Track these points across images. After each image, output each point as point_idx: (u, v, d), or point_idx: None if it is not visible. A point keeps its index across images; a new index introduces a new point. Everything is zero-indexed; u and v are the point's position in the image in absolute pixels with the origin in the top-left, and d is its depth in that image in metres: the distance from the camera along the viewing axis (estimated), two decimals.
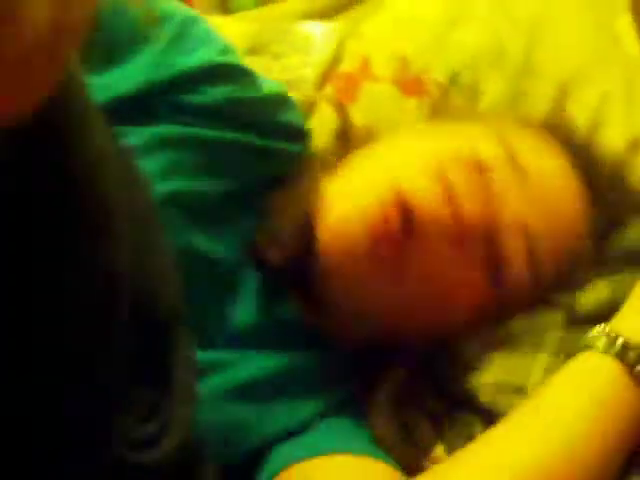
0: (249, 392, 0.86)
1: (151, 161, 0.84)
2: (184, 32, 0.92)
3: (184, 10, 0.96)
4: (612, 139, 1.04)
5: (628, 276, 0.86)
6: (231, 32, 1.30)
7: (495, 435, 0.77)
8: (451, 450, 0.85)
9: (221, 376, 0.85)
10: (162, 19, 0.92)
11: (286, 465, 0.82)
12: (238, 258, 0.90)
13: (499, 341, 0.86)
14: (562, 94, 1.09)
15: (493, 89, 1.11)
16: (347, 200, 0.87)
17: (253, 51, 1.22)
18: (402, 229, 0.82)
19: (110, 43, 0.88)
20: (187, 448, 0.69)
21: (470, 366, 0.86)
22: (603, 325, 0.79)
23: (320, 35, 1.26)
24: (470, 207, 0.83)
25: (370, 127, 1.09)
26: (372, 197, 0.84)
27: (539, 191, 0.88)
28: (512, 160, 0.88)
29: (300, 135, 1.00)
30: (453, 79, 1.12)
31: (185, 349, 0.73)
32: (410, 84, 1.12)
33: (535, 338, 0.86)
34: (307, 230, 0.87)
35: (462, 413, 0.86)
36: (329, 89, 1.14)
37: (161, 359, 0.71)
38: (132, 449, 0.65)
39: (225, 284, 0.89)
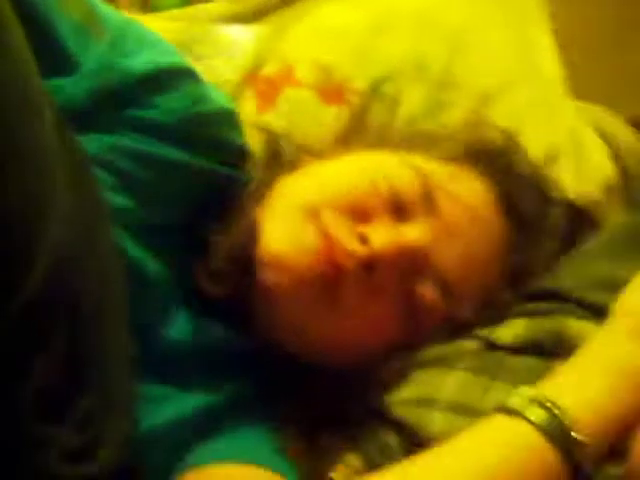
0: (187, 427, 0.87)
1: (103, 171, 0.85)
2: (124, 34, 0.91)
3: (119, 14, 0.96)
4: (531, 151, 1.06)
5: (546, 318, 0.87)
6: (156, 29, 1.29)
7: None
8: (366, 459, 0.86)
9: (172, 407, 0.86)
10: (101, 20, 0.91)
11: (190, 465, 0.84)
12: (172, 282, 0.91)
13: (417, 364, 0.87)
14: (481, 106, 1.11)
15: (413, 99, 1.11)
16: (279, 226, 0.90)
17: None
18: (331, 267, 0.86)
19: (56, 47, 0.87)
20: (124, 462, 0.69)
21: (387, 384, 0.87)
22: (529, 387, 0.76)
23: (244, 38, 1.26)
24: (383, 251, 0.86)
25: (285, 130, 1.09)
26: (305, 233, 0.87)
27: (455, 232, 0.90)
28: (428, 197, 0.90)
29: (243, 157, 1.00)
30: (374, 88, 1.12)
31: (122, 352, 0.74)
32: (331, 92, 1.12)
33: (450, 360, 0.86)
34: (244, 263, 0.89)
35: (377, 424, 0.87)
36: (249, 94, 1.14)
37: (96, 362, 0.71)
38: (66, 460, 0.65)
39: (158, 303, 0.89)
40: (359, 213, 0.88)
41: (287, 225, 0.89)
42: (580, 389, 0.74)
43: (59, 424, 0.66)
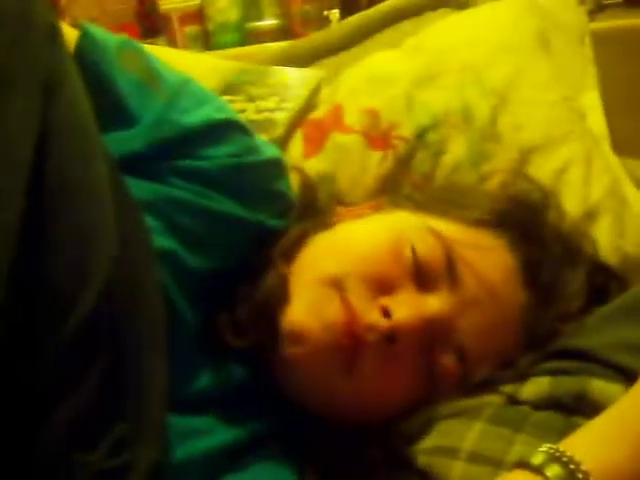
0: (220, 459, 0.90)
1: (150, 216, 0.88)
2: (180, 91, 0.96)
3: (175, 71, 1.00)
4: (567, 208, 1.07)
5: (569, 377, 0.88)
6: (208, 68, 1.33)
7: None
8: None
9: (197, 442, 0.88)
10: (158, 79, 0.96)
11: None
12: (199, 330, 0.93)
13: (441, 416, 0.89)
14: (523, 160, 1.13)
15: (456, 149, 1.14)
16: (304, 297, 0.91)
17: (229, 90, 1.24)
18: (351, 340, 0.87)
19: (118, 103, 0.92)
20: None
21: (412, 437, 0.88)
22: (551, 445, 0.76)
23: (298, 80, 1.29)
24: (406, 324, 0.87)
25: (330, 174, 1.12)
26: (328, 306, 0.89)
27: (475, 304, 0.91)
28: (451, 269, 0.91)
29: (289, 208, 1.01)
30: (420, 135, 1.15)
31: (159, 384, 0.77)
32: (378, 138, 1.16)
33: (474, 412, 0.88)
34: (267, 318, 0.91)
35: (400, 473, 0.88)
36: (298, 137, 1.17)
37: (133, 392, 0.74)
38: None
39: (190, 348, 0.91)
40: (383, 283, 0.90)
41: (310, 296, 0.90)
42: (605, 452, 0.73)
43: (91, 450, 0.69)
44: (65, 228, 0.72)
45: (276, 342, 0.90)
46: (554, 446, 0.74)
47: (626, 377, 0.84)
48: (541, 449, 0.74)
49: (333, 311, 0.88)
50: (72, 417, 0.69)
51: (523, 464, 0.74)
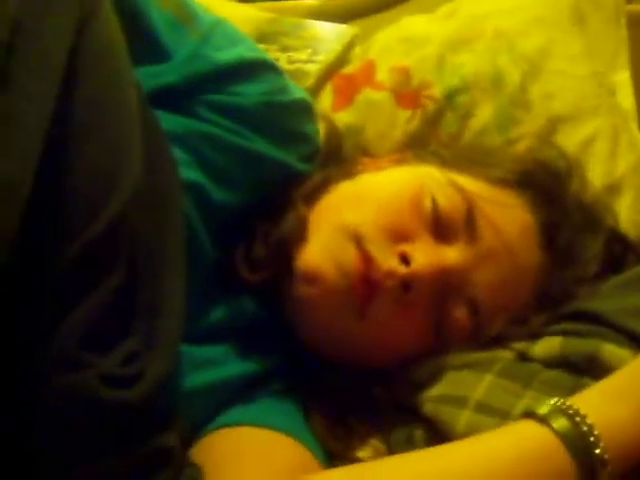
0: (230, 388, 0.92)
1: (179, 149, 0.89)
2: (214, 30, 0.97)
3: (209, 12, 1.01)
4: (591, 180, 1.08)
5: (581, 339, 0.89)
6: (244, 17, 1.34)
7: (423, 453, 0.80)
8: (389, 446, 0.89)
9: (209, 372, 0.90)
10: (193, 17, 0.97)
11: (221, 424, 0.88)
12: (217, 263, 0.95)
13: (452, 367, 0.90)
14: (550, 129, 1.13)
15: (485, 112, 1.15)
16: (322, 241, 0.92)
17: (263, 39, 1.25)
18: (366, 286, 0.88)
19: (152, 38, 0.93)
20: (158, 399, 0.73)
21: (421, 383, 0.90)
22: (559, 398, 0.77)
23: (331, 36, 1.30)
24: (423, 272, 0.89)
25: (358, 127, 1.13)
26: (346, 252, 0.90)
27: (492, 259, 0.92)
28: (471, 222, 0.92)
29: (313, 154, 1.02)
30: (449, 97, 1.16)
31: (176, 298, 0.79)
32: (407, 96, 1.16)
33: (485, 365, 0.89)
34: (284, 257, 0.93)
35: (408, 417, 0.90)
36: (328, 89, 1.18)
37: (152, 308, 0.76)
38: (105, 384, 0.69)
39: (207, 280, 0.93)
40: (403, 232, 0.91)
41: (328, 241, 0.91)
42: (611, 409, 0.75)
43: (102, 355, 0.71)
44: (94, 145, 0.74)
45: (290, 280, 0.92)
46: (561, 399, 0.75)
47: (637, 343, 0.85)
48: (549, 401, 0.76)
49: (350, 258, 0.89)
50: (85, 320, 0.70)
51: (529, 414, 0.76)
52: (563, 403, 0.75)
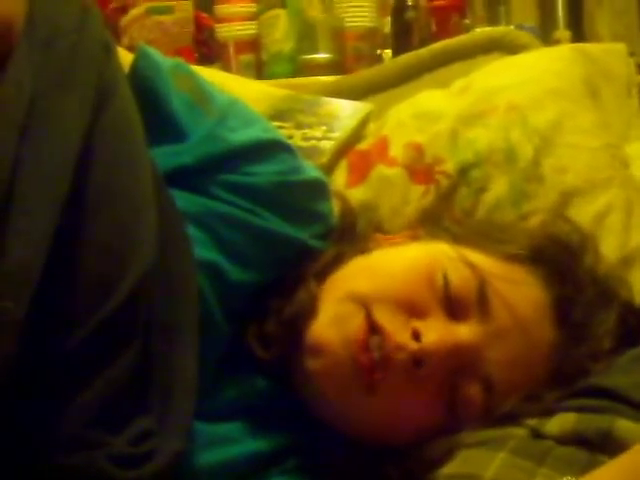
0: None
1: (194, 228, 0.91)
2: (229, 111, 0.99)
3: (224, 93, 1.04)
4: (605, 253, 1.08)
5: (596, 415, 0.88)
6: (259, 95, 1.36)
7: None
8: None
9: (223, 450, 0.90)
10: (209, 99, 1.00)
11: None
12: (230, 340, 0.95)
13: (464, 445, 0.89)
14: (564, 203, 1.14)
15: (498, 188, 1.16)
16: (330, 311, 0.93)
17: (278, 116, 1.27)
18: (376, 364, 0.88)
19: (169, 119, 0.96)
20: (169, 477, 0.73)
21: (434, 462, 0.89)
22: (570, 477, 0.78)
23: (347, 112, 1.32)
24: (435, 349, 0.89)
25: (372, 204, 1.14)
26: (352, 321, 0.90)
27: (504, 337, 0.92)
28: (483, 300, 0.92)
29: (327, 232, 1.03)
30: (462, 173, 1.17)
31: (189, 376, 0.80)
32: (421, 173, 1.18)
33: (497, 443, 0.88)
34: (295, 333, 0.93)
35: None
36: (342, 166, 1.20)
37: (164, 386, 0.76)
38: (115, 464, 0.70)
39: (221, 358, 0.94)
40: (414, 307, 0.91)
41: (336, 311, 0.92)
42: None
43: (113, 434, 0.71)
44: (105, 226, 0.75)
45: (300, 356, 0.92)
46: (574, 479, 0.75)
47: None
48: None
49: (355, 326, 0.89)
50: (96, 399, 0.71)
51: None
52: None
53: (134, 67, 0.97)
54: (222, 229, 0.93)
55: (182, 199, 0.91)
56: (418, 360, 0.88)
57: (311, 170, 1.03)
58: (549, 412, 0.89)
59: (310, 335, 0.92)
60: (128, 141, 0.83)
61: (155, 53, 1.01)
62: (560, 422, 0.88)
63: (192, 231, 0.90)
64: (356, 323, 0.90)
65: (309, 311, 0.93)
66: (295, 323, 0.93)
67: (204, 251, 0.91)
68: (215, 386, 0.92)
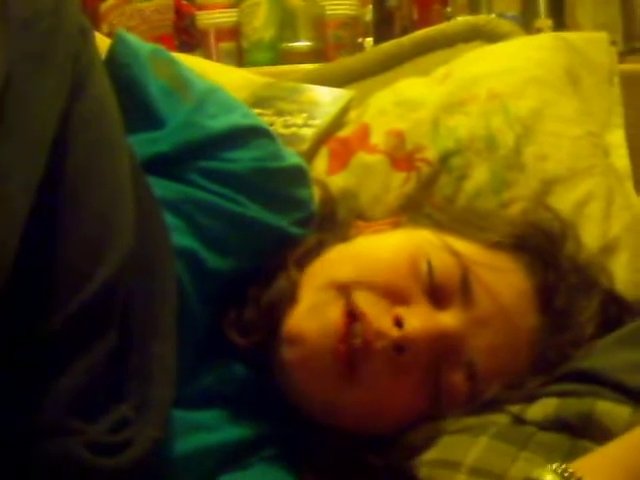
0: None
1: (171, 215, 0.90)
2: (207, 98, 0.98)
3: (204, 79, 1.03)
4: (586, 241, 1.08)
5: (576, 399, 0.88)
6: (241, 82, 1.35)
7: None
8: None
9: (200, 437, 0.90)
10: (187, 85, 0.99)
11: None
12: (208, 327, 0.95)
13: (446, 432, 0.89)
14: (545, 191, 1.14)
15: (479, 175, 1.15)
16: (309, 300, 0.92)
17: (259, 103, 1.26)
18: (355, 351, 0.87)
19: (146, 105, 0.95)
20: (147, 465, 0.73)
21: (416, 448, 0.89)
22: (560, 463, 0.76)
23: (328, 99, 1.31)
24: (417, 335, 0.88)
25: (353, 191, 1.13)
26: (330, 310, 0.90)
27: (487, 324, 0.92)
28: (466, 287, 0.92)
29: (310, 216, 1.03)
30: (443, 160, 1.16)
31: (167, 363, 0.79)
32: (402, 160, 1.17)
33: (479, 429, 0.88)
34: (273, 320, 0.93)
35: None
36: (323, 153, 1.19)
37: (142, 373, 0.76)
38: (92, 451, 0.69)
39: (198, 345, 0.93)
40: (397, 295, 0.90)
41: (315, 299, 0.91)
42: (612, 477, 0.73)
43: (91, 422, 0.71)
44: (83, 212, 0.75)
45: (277, 344, 0.92)
46: (563, 465, 0.74)
47: (634, 398, 0.85)
48: (550, 467, 0.75)
49: (334, 314, 0.89)
50: (73, 386, 0.71)
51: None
52: (565, 469, 0.74)
53: (111, 53, 0.96)
54: (199, 216, 0.92)
55: (159, 186, 0.90)
56: (400, 347, 0.87)
57: (291, 156, 1.02)
58: (531, 398, 0.90)
59: (288, 324, 0.91)
60: (105, 127, 0.82)
61: (133, 39, 1.00)
62: (542, 408, 0.88)
63: (169, 218, 0.89)
64: (335, 312, 0.89)
65: (288, 298, 0.93)
66: (274, 310, 0.93)
67: (181, 238, 0.90)
68: (193, 373, 0.91)
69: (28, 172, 0.71)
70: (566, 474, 0.73)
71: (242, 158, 0.95)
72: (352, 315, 0.89)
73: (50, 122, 0.74)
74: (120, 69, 0.94)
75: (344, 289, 0.90)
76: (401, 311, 0.89)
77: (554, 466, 0.75)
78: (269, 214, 0.96)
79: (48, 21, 0.78)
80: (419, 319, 0.89)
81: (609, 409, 0.85)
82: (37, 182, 0.71)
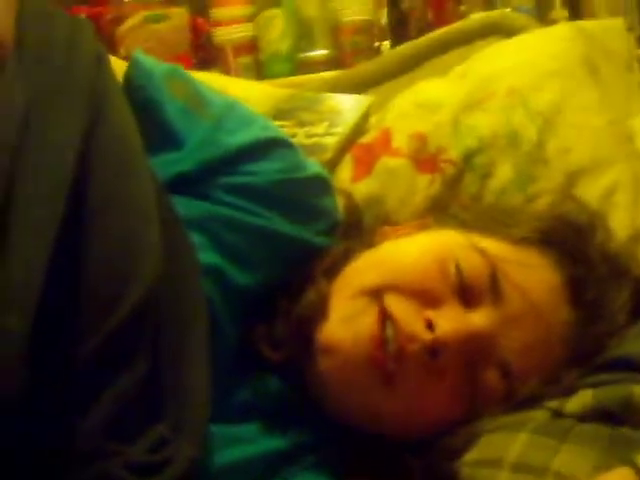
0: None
1: (196, 233, 0.91)
2: (226, 114, 0.99)
3: (221, 96, 1.04)
4: (615, 230, 1.08)
5: (613, 387, 0.88)
6: (262, 96, 1.36)
7: None
8: None
9: (239, 449, 0.91)
10: (205, 104, 1.00)
11: None
12: (239, 343, 0.95)
13: (485, 431, 0.89)
14: (570, 183, 1.14)
15: (503, 172, 1.16)
16: (341, 309, 0.93)
17: (280, 116, 1.27)
18: (391, 357, 0.88)
19: (165, 127, 0.96)
20: None
21: (455, 451, 0.89)
22: None
23: (348, 106, 1.32)
24: (450, 338, 0.88)
25: (379, 196, 1.14)
26: (363, 318, 0.90)
27: (519, 322, 0.92)
28: (495, 286, 0.92)
29: (334, 226, 1.03)
30: (467, 159, 1.17)
31: (202, 381, 0.81)
32: (426, 162, 1.17)
33: (518, 426, 0.88)
34: (305, 333, 0.93)
35: None
36: (347, 160, 1.20)
37: (177, 393, 0.77)
38: (132, 472, 0.70)
39: (229, 360, 0.94)
40: (427, 297, 0.91)
41: (348, 308, 0.92)
42: None
43: (129, 443, 0.72)
44: (108, 240, 0.76)
45: (312, 356, 0.92)
46: None
47: None
48: None
49: (367, 322, 0.89)
50: (109, 411, 0.72)
51: (631, 463, 0.74)
52: None
53: (127, 77, 0.97)
54: (224, 232, 0.92)
55: (183, 205, 0.91)
56: (433, 350, 0.88)
57: (313, 166, 1.03)
58: (569, 392, 0.90)
59: (322, 335, 0.91)
60: (126, 151, 0.83)
61: (148, 60, 1.01)
62: (579, 400, 0.88)
63: (194, 237, 0.90)
64: (368, 319, 0.89)
65: (319, 311, 0.93)
66: (305, 324, 0.93)
67: (207, 256, 0.91)
68: (228, 389, 0.92)
69: (51, 207, 0.72)
70: None
71: (263, 170, 0.96)
72: (385, 320, 0.89)
73: (70, 155, 0.75)
74: (136, 92, 0.95)
75: (375, 294, 0.91)
76: (432, 314, 0.89)
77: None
78: (293, 225, 0.96)
79: (63, 53, 0.80)
80: (450, 321, 0.89)
81: None
82: (61, 215, 0.72)
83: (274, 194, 0.96)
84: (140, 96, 0.95)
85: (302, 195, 0.99)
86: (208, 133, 0.96)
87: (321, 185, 1.02)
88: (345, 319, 0.91)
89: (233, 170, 0.95)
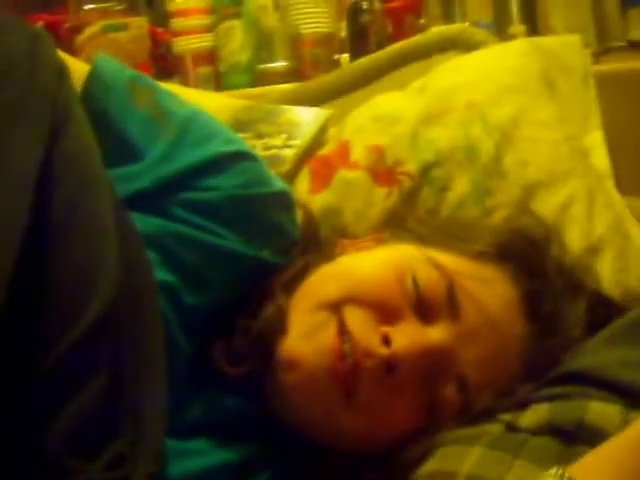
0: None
1: (151, 250, 0.90)
2: (187, 128, 0.97)
3: (184, 106, 1.02)
4: (570, 244, 1.09)
5: (567, 402, 0.89)
6: (220, 106, 1.36)
7: None
8: None
9: (194, 461, 0.90)
10: (167, 115, 0.98)
11: None
12: (195, 360, 0.94)
13: (441, 444, 0.89)
14: (527, 197, 1.15)
15: (461, 185, 1.16)
16: (301, 324, 0.92)
17: (239, 127, 1.27)
18: (349, 371, 0.88)
19: (124, 139, 0.95)
20: None
21: (413, 463, 0.89)
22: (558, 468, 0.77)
23: (306, 119, 1.32)
24: (406, 353, 0.88)
25: (336, 209, 1.14)
26: (323, 331, 0.89)
27: (476, 337, 0.92)
28: (452, 301, 0.92)
29: (290, 247, 1.01)
30: (424, 172, 1.17)
31: (159, 397, 0.80)
32: (383, 174, 1.18)
33: (473, 439, 0.88)
34: (265, 348, 0.92)
35: None
36: (304, 173, 1.20)
37: (135, 410, 0.76)
38: None
39: (184, 376, 0.93)
40: (385, 311, 0.90)
41: (307, 322, 0.91)
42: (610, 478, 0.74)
43: (89, 461, 0.71)
44: (69, 253, 0.75)
45: (272, 371, 0.91)
46: (561, 470, 0.75)
47: (624, 395, 0.86)
48: (550, 472, 0.75)
49: (328, 335, 0.89)
50: (70, 426, 0.71)
51: None
52: (563, 474, 0.75)
53: (86, 85, 0.96)
54: (179, 250, 0.91)
55: (141, 221, 0.90)
56: (389, 366, 0.88)
57: (276, 182, 1.01)
58: (523, 405, 0.90)
59: (283, 350, 0.91)
60: (86, 165, 0.82)
61: (111, 66, 1.00)
62: (534, 414, 0.88)
63: (150, 253, 0.89)
64: (328, 332, 0.89)
65: (279, 325, 0.92)
66: (265, 339, 0.92)
67: (161, 273, 0.89)
68: (183, 404, 0.91)
69: (9, 226, 0.71)
70: (564, 478, 0.74)
71: (222, 186, 0.94)
72: (344, 333, 0.89)
73: (31, 169, 0.74)
74: (95, 103, 0.94)
75: (334, 308, 0.90)
76: (388, 329, 0.89)
77: (553, 470, 0.75)
78: (248, 244, 0.95)
79: (24, 68, 0.79)
80: (407, 336, 0.89)
81: (599, 410, 0.85)
82: (21, 232, 0.71)
83: (231, 211, 0.94)
84: (99, 106, 0.94)
85: (261, 211, 0.97)
86: (167, 149, 0.94)
87: (282, 201, 1.00)
88: (305, 333, 0.91)
89: (191, 186, 0.93)
